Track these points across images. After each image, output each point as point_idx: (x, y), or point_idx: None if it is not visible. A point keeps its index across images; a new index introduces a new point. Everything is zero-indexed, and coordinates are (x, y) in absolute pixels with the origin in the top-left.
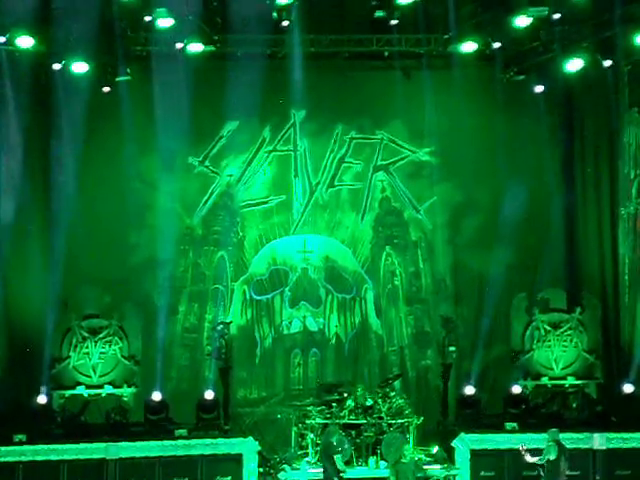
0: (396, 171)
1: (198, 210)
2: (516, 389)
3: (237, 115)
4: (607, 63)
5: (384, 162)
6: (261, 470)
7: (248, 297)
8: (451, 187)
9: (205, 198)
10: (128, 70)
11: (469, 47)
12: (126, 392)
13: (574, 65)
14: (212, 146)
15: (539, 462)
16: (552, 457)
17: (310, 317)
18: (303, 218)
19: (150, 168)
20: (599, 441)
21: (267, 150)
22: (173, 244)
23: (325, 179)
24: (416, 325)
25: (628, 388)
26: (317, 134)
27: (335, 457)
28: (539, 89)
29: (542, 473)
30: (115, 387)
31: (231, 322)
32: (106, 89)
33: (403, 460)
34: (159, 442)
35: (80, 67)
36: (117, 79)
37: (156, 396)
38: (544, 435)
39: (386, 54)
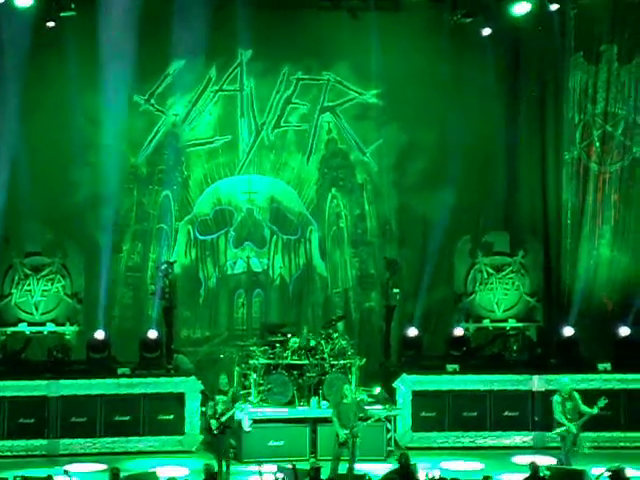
0: (342, 113)
1: (143, 149)
2: (458, 331)
3: (183, 53)
4: (554, 7)
5: (330, 103)
6: (203, 409)
7: (192, 237)
8: (397, 129)
9: (150, 137)
10: (73, 5)
11: None
12: (68, 330)
13: (521, 8)
14: (158, 84)
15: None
16: None
17: (254, 258)
18: (249, 158)
19: (94, 105)
20: (538, 383)
21: (213, 89)
22: (117, 182)
23: (271, 120)
24: (360, 267)
25: (568, 331)
26: (264, 74)
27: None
28: (486, 32)
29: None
30: (57, 325)
31: (175, 262)
32: (50, 24)
33: (345, 400)
34: (101, 380)
35: (24, 0)
36: (61, 14)
37: (99, 334)
38: (484, 376)
39: None
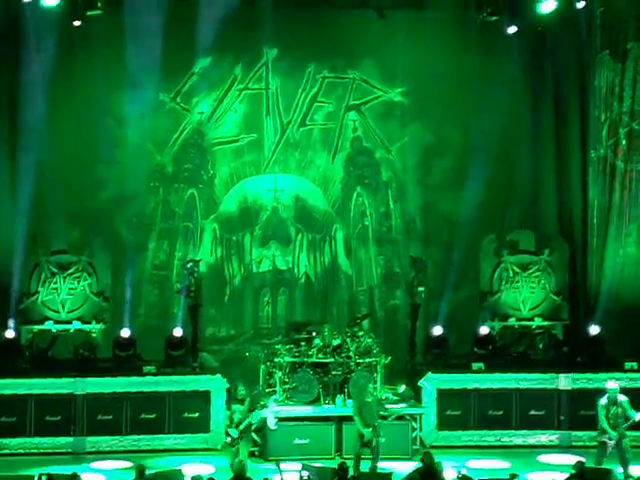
0: (368, 111)
1: (169, 147)
2: (483, 330)
3: (209, 52)
4: (580, 5)
5: (356, 102)
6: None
7: (218, 235)
8: (422, 128)
9: (176, 135)
10: (99, 4)
11: None
12: (94, 328)
13: (547, 6)
14: (183, 83)
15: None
16: None
17: (280, 256)
18: (274, 157)
19: (120, 104)
20: (564, 382)
21: (239, 88)
22: (143, 181)
23: (297, 118)
24: (385, 265)
25: (594, 329)
26: (289, 73)
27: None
28: (512, 30)
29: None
30: (84, 323)
31: (200, 260)
32: (77, 23)
33: (367, 399)
34: (127, 378)
35: (50, 0)
36: (88, 13)
37: (125, 332)
38: (510, 375)
39: None
